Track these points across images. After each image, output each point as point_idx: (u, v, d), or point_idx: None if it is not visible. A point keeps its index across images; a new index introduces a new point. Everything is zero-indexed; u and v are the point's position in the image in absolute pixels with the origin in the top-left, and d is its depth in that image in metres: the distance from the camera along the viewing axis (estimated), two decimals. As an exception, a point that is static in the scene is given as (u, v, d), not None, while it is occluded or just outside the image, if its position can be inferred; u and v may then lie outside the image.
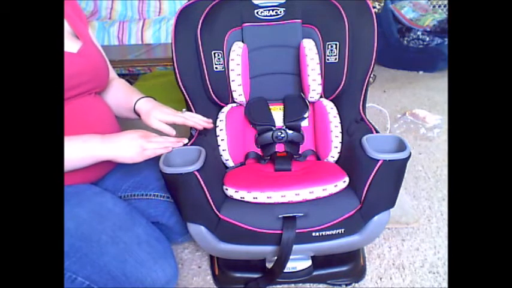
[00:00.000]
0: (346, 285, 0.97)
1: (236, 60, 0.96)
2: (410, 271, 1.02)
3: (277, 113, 1.06)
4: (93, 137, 0.79)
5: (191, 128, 0.97)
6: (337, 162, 0.98)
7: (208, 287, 1.01)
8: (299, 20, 0.99)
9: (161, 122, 0.90)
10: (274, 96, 1.07)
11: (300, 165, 0.98)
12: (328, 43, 0.96)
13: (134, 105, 0.95)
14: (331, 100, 1.02)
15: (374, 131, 0.91)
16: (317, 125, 1.04)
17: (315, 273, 0.94)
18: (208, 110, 1.01)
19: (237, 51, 0.97)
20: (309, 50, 0.96)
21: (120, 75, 1.09)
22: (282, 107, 1.07)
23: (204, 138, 0.95)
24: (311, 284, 0.98)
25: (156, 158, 0.79)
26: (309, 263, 0.94)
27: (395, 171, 0.79)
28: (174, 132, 0.90)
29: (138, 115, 0.95)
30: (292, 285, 0.98)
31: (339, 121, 0.99)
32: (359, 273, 1.00)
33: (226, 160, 0.99)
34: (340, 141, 0.97)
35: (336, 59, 0.96)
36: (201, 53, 0.96)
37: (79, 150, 0.77)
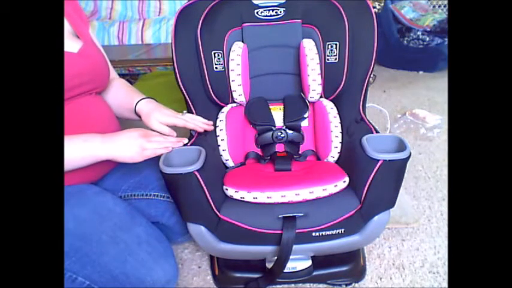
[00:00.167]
0: (346, 285, 0.98)
1: (236, 60, 0.96)
2: (410, 271, 1.02)
3: (277, 113, 1.06)
4: (93, 137, 0.79)
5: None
6: (337, 162, 0.98)
7: (208, 287, 1.01)
8: (299, 20, 0.99)
9: (162, 124, 0.90)
10: (274, 96, 1.07)
11: (300, 165, 0.98)
12: (328, 43, 0.96)
13: (135, 106, 0.95)
14: (331, 100, 1.02)
15: (374, 131, 0.91)
16: (317, 125, 1.04)
17: (315, 273, 0.94)
18: (208, 110, 1.01)
19: (237, 51, 0.97)
20: (309, 50, 0.96)
21: (120, 75, 1.09)
22: (282, 107, 1.07)
23: (204, 138, 0.95)
24: (311, 284, 0.98)
25: (156, 158, 0.79)
26: (309, 263, 0.94)
27: (395, 171, 0.79)
28: (174, 134, 0.90)
29: (139, 116, 0.95)
30: (292, 285, 0.98)
31: (339, 121, 0.99)
32: (359, 273, 1.00)
33: (226, 160, 0.99)
34: (340, 141, 0.97)
35: (336, 59, 0.96)
36: (201, 53, 0.96)
37: (79, 150, 0.77)
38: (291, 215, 0.80)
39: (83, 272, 0.75)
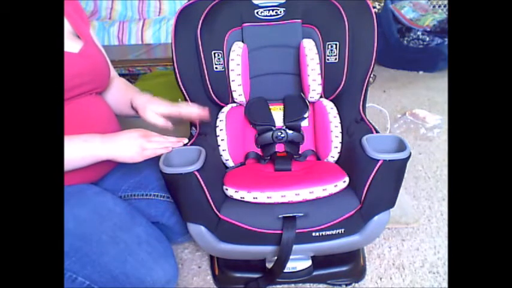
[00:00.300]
0: (346, 285, 0.98)
1: (236, 60, 0.96)
2: (410, 271, 1.02)
3: (277, 113, 1.06)
4: (93, 137, 0.79)
5: (191, 128, 0.97)
6: (337, 162, 0.98)
7: (208, 287, 1.01)
8: (299, 20, 0.99)
9: (157, 116, 0.89)
10: (274, 96, 1.07)
11: (300, 165, 0.98)
12: (328, 43, 0.96)
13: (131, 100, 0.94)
14: (331, 100, 1.02)
15: (374, 131, 0.91)
16: (317, 125, 1.04)
17: (315, 273, 0.94)
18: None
19: (237, 51, 0.97)
20: (309, 50, 0.96)
21: (120, 75, 1.09)
22: (282, 107, 1.07)
23: (204, 138, 0.95)
24: (311, 284, 0.98)
25: (156, 158, 0.79)
26: (309, 263, 0.94)
27: (395, 171, 0.79)
28: (170, 124, 0.89)
29: (136, 111, 0.95)
30: (292, 285, 0.98)
31: (339, 121, 0.99)
32: (359, 273, 1.00)
33: (226, 160, 0.99)
34: (340, 141, 0.97)
35: (336, 59, 0.96)
36: (201, 53, 0.96)
37: (79, 150, 0.77)
38: (291, 215, 0.80)
39: (83, 272, 0.75)
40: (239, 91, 0.98)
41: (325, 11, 0.96)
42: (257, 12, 0.99)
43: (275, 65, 1.05)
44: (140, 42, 2.58)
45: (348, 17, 0.94)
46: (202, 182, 0.76)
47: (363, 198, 0.81)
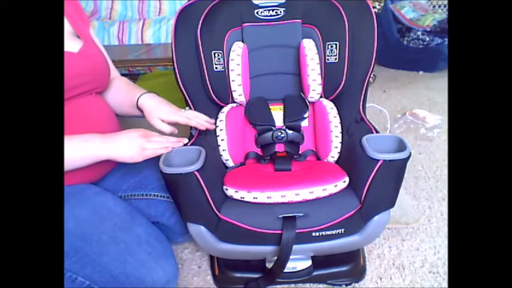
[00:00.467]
0: (346, 285, 0.98)
1: (236, 60, 0.96)
2: (410, 271, 1.02)
3: (277, 113, 1.06)
4: (93, 137, 0.79)
5: (191, 127, 0.97)
6: (337, 162, 0.98)
7: (208, 287, 1.01)
8: (299, 20, 0.99)
9: (163, 123, 0.90)
10: (274, 96, 1.07)
11: (300, 165, 0.98)
12: (328, 43, 0.96)
13: (137, 101, 0.94)
14: (331, 100, 1.02)
15: (374, 131, 0.91)
16: (317, 125, 1.04)
17: (315, 273, 0.94)
18: (208, 110, 1.01)
19: (237, 51, 0.97)
20: (309, 50, 0.96)
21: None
22: (282, 107, 1.07)
23: (204, 138, 0.95)
24: (311, 284, 0.98)
25: (156, 158, 0.79)
26: (309, 263, 0.94)
27: (395, 171, 0.79)
28: (176, 132, 0.90)
29: (141, 111, 0.95)
30: (292, 285, 0.98)
31: (339, 121, 0.99)
32: (359, 273, 1.00)
33: (226, 160, 0.99)
34: (340, 141, 0.97)
35: (336, 59, 0.96)
36: (201, 53, 0.96)
37: (79, 150, 0.77)
38: (291, 215, 0.80)
39: (83, 272, 0.75)
40: (239, 91, 0.98)
41: (325, 11, 0.96)
42: (257, 12, 0.99)
43: (275, 65, 1.05)
44: (140, 42, 2.58)
45: (348, 17, 0.94)
46: (202, 182, 0.76)
47: (363, 198, 0.81)
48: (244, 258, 0.97)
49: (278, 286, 0.97)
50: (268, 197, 0.81)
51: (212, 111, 1.02)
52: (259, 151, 1.06)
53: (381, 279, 1.00)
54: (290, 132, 1.03)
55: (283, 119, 1.05)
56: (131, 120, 1.00)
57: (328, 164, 0.96)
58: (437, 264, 1.04)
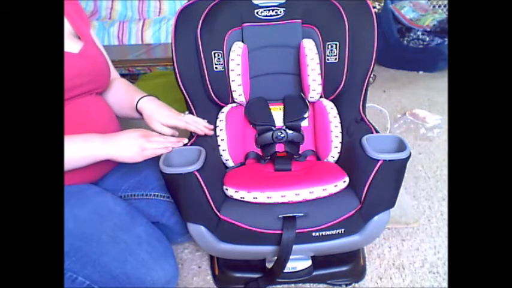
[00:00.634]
0: (346, 285, 0.98)
1: (236, 60, 0.96)
2: (410, 271, 1.02)
3: (277, 113, 1.06)
4: (93, 136, 0.79)
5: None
6: (337, 162, 0.98)
7: (208, 287, 1.01)
8: (299, 20, 0.99)
9: (163, 126, 0.90)
10: (274, 96, 1.07)
11: (300, 165, 0.98)
12: (328, 43, 0.96)
13: (136, 103, 0.95)
14: (331, 100, 1.02)
15: (374, 131, 0.91)
16: (317, 125, 1.04)
17: (315, 273, 0.94)
18: (208, 110, 1.01)
19: (237, 51, 0.97)
20: (309, 50, 0.96)
21: (120, 75, 1.09)
22: (282, 107, 1.07)
23: (204, 138, 0.95)
24: (311, 284, 0.98)
25: (156, 158, 0.79)
26: (309, 263, 0.94)
27: (395, 171, 0.79)
28: (177, 134, 0.90)
29: (141, 114, 0.95)
30: (292, 285, 0.98)
31: (339, 121, 0.99)
32: (359, 273, 1.00)
33: (226, 160, 0.99)
34: (340, 141, 0.97)
35: (336, 59, 0.96)
36: (201, 53, 0.96)
37: (79, 150, 0.77)
38: (291, 215, 0.80)
39: (83, 271, 0.75)
40: (239, 91, 0.98)
41: (325, 11, 0.96)
42: (257, 12, 0.99)
43: (275, 65, 1.05)
44: (140, 42, 2.58)
45: (348, 17, 0.94)
46: (202, 182, 0.76)
47: (363, 198, 0.81)
48: (244, 258, 0.97)
49: (278, 286, 0.97)
50: (268, 197, 0.81)
51: (212, 111, 1.02)
52: (259, 151, 1.06)
53: (380, 279, 1.00)
54: (290, 132, 1.03)
55: (283, 119, 1.05)
56: (131, 121, 1.00)
57: (328, 164, 0.96)
58: (437, 264, 1.04)
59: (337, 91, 0.99)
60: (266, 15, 0.99)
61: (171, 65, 1.02)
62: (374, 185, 0.79)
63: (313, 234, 0.82)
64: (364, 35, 0.95)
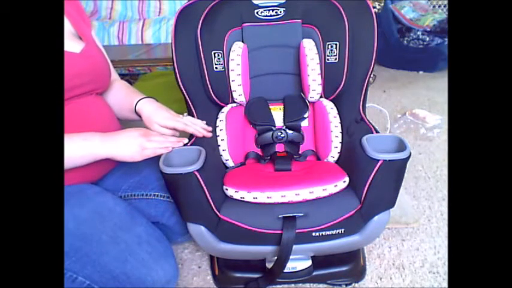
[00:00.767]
0: (346, 285, 0.98)
1: (236, 60, 0.96)
2: (410, 271, 1.02)
3: (277, 113, 1.06)
4: (93, 135, 0.79)
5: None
6: (337, 162, 0.98)
7: (208, 287, 1.01)
8: (299, 20, 0.99)
9: (162, 128, 0.90)
10: (274, 96, 1.07)
11: (300, 165, 0.98)
12: (328, 43, 0.96)
13: (135, 105, 0.95)
14: (331, 100, 1.02)
15: (374, 131, 0.91)
16: (317, 125, 1.04)
17: (315, 273, 0.94)
18: (208, 110, 1.01)
19: (237, 51, 0.97)
20: (309, 50, 0.96)
21: (120, 75, 1.10)
22: (282, 107, 1.07)
23: (204, 138, 0.95)
24: (311, 284, 0.98)
25: (156, 158, 0.79)
26: (309, 263, 0.94)
27: (395, 171, 0.79)
28: (177, 134, 0.90)
29: (139, 116, 0.95)
30: (292, 285, 0.98)
31: (339, 121, 0.99)
32: (359, 273, 1.00)
33: (226, 160, 0.99)
34: (340, 141, 0.97)
35: (336, 59, 0.96)
36: (201, 53, 0.96)
37: (79, 148, 0.77)
38: (291, 215, 0.80)
39: (83, 271, 0.75)
40: (239, 91, 0.98)
41: (325, 11, 0.96)
42: (257, 12, 0.99)
43: (275, 65, 1.05)
44: (140, 42, 2.58)
45: (348, 17, 0.94)
46: (202, 182, 0.76)
47: (363, 198, 0.81)
48: (244, 258, 0.97)
49: (278, 286, 0.97)
50: (268, 197, 0.81)
51: (212, 111, 1.02)
52: (259, 151, 1.06)
53: (380, 279, 1.00)
54: (290, 132, 1.03)
55: (283, 119, 1.05)
56: (131, 122, 1.00)
57: (328, 164, 0.96)
58: (437, 264, 1.04)
59: (337, 91, 0.99)
60: (266, 15, 0.99)
61: (171, 65, 1.02)
62: (374, 185, 0.79)
63: (313, 234, 0.82)
64: (364, 35, 0.95)
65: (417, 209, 1.27)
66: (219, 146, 0.98)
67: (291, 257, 0.82)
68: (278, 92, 1.07)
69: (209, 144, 0.92)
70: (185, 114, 0.98)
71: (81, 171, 0.81)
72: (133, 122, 0.99)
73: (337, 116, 0.99)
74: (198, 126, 0.93)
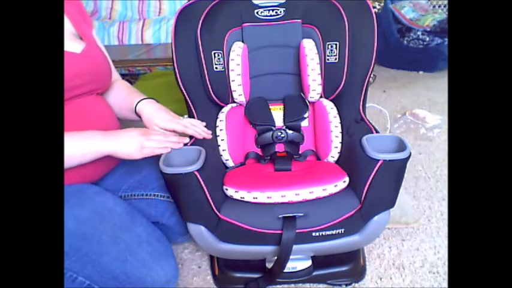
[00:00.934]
0: (346, 285, 0.98)
1: (236, 60, 0.96)
2: (410, 271, 1.02)
3: (277, 113, 1.06)
4: (94, 133, 0.79)
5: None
6: (337, 162, 0.98)
7: (208, 287, 1.01)
8: (299, 20, 0.99)
9: (163, 130, 0.90)
10: (274, 96, 1.07)
11: (300, 165, 0.98)
12: (328, 43, 0.96)
13: (135, 106, 0.95)
14: (331, 100, 1.02)
15: (374, 131, 0.91)
16: (317, 125, 1.04)
17: (315, 273, 0.94)
18: (208, 110, 1.01)
19: (237, 51, 0.97)
20: (309, 50, 0.96)
21: (120, 75, 1.09)
22: (282, 107, 1.07)
23: (204, 138, 0.95)
24: (311, 284, 0.98)
25: (156, 158, 0.79)
26: (309, 263, 0.94)
27: (395, 171, 0.79)
28: (177, 134, 0.90)
29: (140, 116, 0.95)
30: (292, 285, 0.98)
31: (339, 121, 0.99)
32: (359, 273, 1.00)
33: (226, 160, 0.99)
34: (340, 141, 0.97)
35: (336, 59, 0.96)
36: (201, 53, 0.96)
37: (82, 146, 0.77)
38: (291, 215, 0.80)
39: (83, 271, 0.75)
40: (239, 91, 0.98)
41: (325, 11, 0.96)
42: (257, 12, 0.99)
43: (275, 65, 1.05)
44: (140, 42, 2.58)
45: (348, 17, 0.94)
46: (202, 182, 0.76)
47: (363, 198, 0.81)
48: (244, 258, 0.97)
49: (278, 286, 0.97)
50: (268, 197, 0.81)
51: (212, 111, 1.02)
52: (259, 151, 1.06)
53: (380, 279, 1.00)
54: (290, 132, 1.03)
55: (283, 119, 1.05)
56: (132, 122, 1.00)
57: (328, 164, 0.96)
58: (437, 264, 1.04)
59: (337, 91, 0.99)
60: (266, 15, 0.99)
61: (171, 65, 1.02)
62: (374, 185, 0.79)
63: (313, 234, 0.82)
64: (364, 35, 0.95)
65: (417, 209, 1.27)
66: (219, 146, 0.98)
67: (291, 257, 0.82)
68: (278, 92, 1.07)
69: (209, 144, 0.92)
70: (185, 116, 0.98)
71: (81, 171, 0.81)
72: (134, 122, 0.99)
73: (337, 116, 0.99)
74: (197, 128, 0.93)
